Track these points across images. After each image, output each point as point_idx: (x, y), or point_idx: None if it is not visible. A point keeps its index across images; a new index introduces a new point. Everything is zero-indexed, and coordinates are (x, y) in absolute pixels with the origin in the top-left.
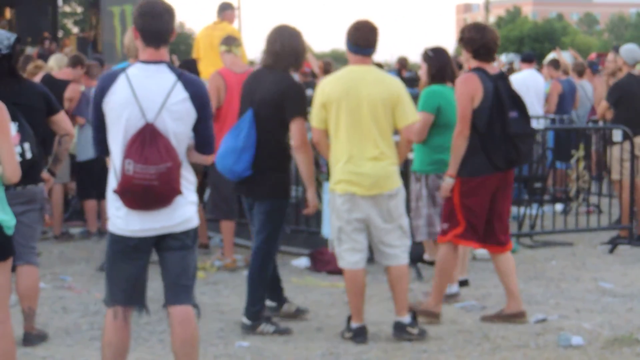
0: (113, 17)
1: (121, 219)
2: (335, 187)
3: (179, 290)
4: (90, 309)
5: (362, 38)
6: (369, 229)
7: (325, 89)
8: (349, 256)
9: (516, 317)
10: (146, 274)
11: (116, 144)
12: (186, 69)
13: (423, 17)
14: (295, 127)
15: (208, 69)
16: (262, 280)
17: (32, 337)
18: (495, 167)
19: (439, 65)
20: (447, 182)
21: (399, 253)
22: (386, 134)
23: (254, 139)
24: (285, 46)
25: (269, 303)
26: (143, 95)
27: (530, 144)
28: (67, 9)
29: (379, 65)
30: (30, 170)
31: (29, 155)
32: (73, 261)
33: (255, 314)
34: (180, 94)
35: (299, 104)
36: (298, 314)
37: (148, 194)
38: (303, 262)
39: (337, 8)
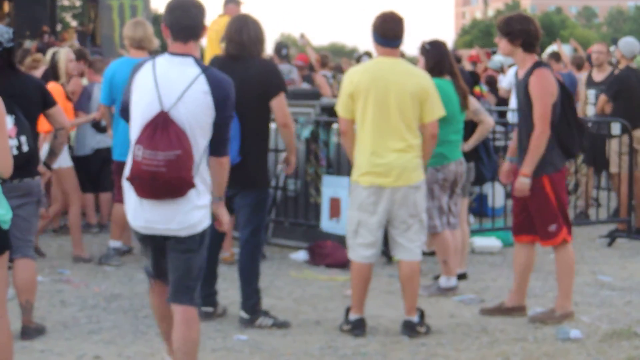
0: (112, 11)
1: (129, 211)
2: (360, 179)
3: (181, 290)
4: (89, 303)
5: (389, 30)
6: (390, 222)
7: (353, 79)
8: (363, 250)
9: (516, 310)
10: (165, 258)
11: (134, 129)
12: None
13: (422, 10)
14: (277, 104)
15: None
16: (254, 272)
17: (30, 331)
18: (570, 155)
19: (437, 59)
20: (524, 182)
21: (414, 248)
22: (412, 127)
23: (238, 127)
24: (252, 36)
25: (208, 309)
26: (163, 83)
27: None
28: (66, 2)
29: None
30: (27, 164)
31: (25, 148)
32: (72, 255)
33: (253, 307)
34: (202, 86)
35: (280, 80)
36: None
37: (156, 181)
38: (301, 255)
39: (336, 2)
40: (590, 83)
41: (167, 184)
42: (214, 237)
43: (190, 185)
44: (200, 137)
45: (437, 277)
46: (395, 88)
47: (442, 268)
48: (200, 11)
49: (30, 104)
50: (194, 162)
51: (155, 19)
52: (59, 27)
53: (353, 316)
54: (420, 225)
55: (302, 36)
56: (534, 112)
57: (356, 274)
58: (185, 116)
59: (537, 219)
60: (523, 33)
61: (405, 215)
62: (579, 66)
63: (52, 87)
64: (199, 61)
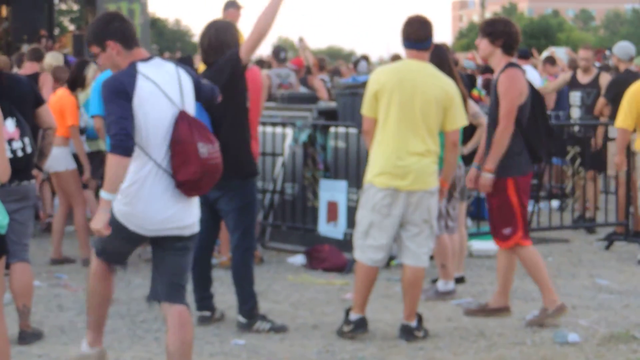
0: None
1: (137, 219)
2: (374, 180)
3: (174, 289)
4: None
5: (413, 32)
6: (403, 225)
7: (380, 79)
8: (373, 254)
9: (500, 311)
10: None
11: (153, 138)
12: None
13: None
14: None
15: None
16: (248, 277)
17: (28, 335)
18: (538, 160)
19: (437, 61)
20: (487, 178)
21: (422, 254)
22: (434, 132)
23: (206, 120)
24: (212, 41)
25: (205, 314)
26: (165, 86)
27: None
28: (64, 6)
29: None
30: (27, 166)
31: (29, 149)
32: (69, 259)
33: (249, 312)
34: (184, 76)
35: (234, 51)
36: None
37: (217, 173)
38: (299, 259)
39: (333, 5)
40: (575, 85)
41: (220, 172)
42: (203, 240)
43: None
44: None
45: (434, 281)
46: (421, 91)
47: (440, 272)
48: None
49: (24, 103)
50: None
51: (153, 23)
52: (56, 31)
53: (354, 316)
54: (431, 232)
55: (301, 40)
56: (499, 109)
57: (362, 276)
58: (190, 108)
59: (495, 218)
60: (505, 34)
61: (419, 220)
62: (576, 69)
63: (67, 97)
64: (162, 58)
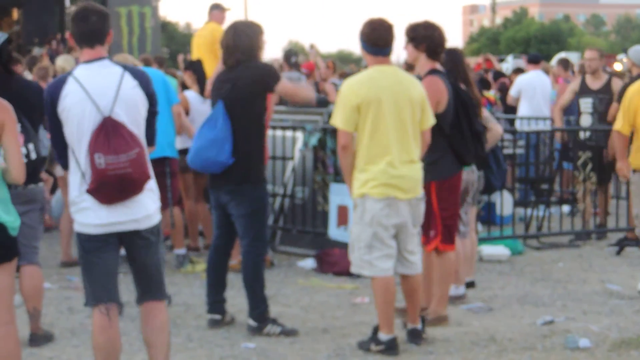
0: (120, 18)
1: (88, 217)
2: (370, 192)
3: (155, 286)
4: None
5: (381, 38)
6: (398, 234)
7: (360, 91)
8: (383, 263)
9: (440, 320)
10: (117, 269)
11: (79, 145)
12: (192, 69)
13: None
14: (282, 89)
15: (212, 66)
16: (258, 281)
17: (38, 338)
18: (464, 164)
19: (451, 66)
20: None
21: (416, 261)
22: (417, 136)
23: (230, 128)
24: (230, 44)
25: (215, 317)
26: (95, 91)
27: (485, 141)
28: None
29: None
30: (33, 171)
31: (33, 155)
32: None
33: (260, 316)
34: (130, 82)
35: (274, 75)
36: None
37: (124, 183)
38: (309, 263)
39: (343, 9)
40: (585, 91)
41: (134, 182)
42: (222, 244)
43: (149, 177)
44: (142, 130)
45: None
46: (404, 96)
47: None
48: (99, 18)
49: (31, 108)
50: (146, 155)
51: (164, 27)
52: (67, 35)
53: (385, 336)
54: (419, 237)
55: (312, 47)
56: None
57: (381, 290)
58: (126, 115)
59: (424, 221)
60: (427, 39)
61: (411, 226)
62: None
63: None
64: (115, 61)
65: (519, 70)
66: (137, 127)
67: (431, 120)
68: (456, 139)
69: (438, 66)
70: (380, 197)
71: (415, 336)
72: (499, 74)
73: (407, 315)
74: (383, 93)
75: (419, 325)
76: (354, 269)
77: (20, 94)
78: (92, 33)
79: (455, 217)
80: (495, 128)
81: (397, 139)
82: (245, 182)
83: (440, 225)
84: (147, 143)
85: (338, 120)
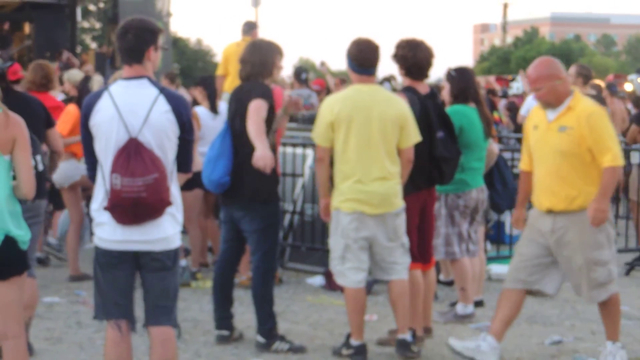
0: None
1: (104, 232)
2: (341, 206)
3: (159, 311)
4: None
5: (366, 59)
6: (372, 247)
7: (334, 108)
8: (353, 275)
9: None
10: (133, 286)
11: (105, 161)
12: (203, 85)
13: (440, 36)
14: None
15: (235, 83)
16: (267, 297)
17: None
18: (417, 186)
19: (462, 86)
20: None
21: (401, 269)
22: (393, 154)
23: (228, 146)
24: (245, 59)
25: (224, 333)
26: (126, 110)
27: (454, 166)
28: (86, 24)
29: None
30: (40, 184)
31: (40, 167)
32: (87, 275)
33: (269, 332)
34: (163, 106)
35: (265, 91)
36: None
37: (138, 207)
38: (318, 280)
39: (354, 27)
40: None
41: (149, 207)
42: (228, 258)
43: (168, 204)
44: (168, 156)
45: (454, 304)
46: (377, 116)
47: (459, 295)
48: (135, 36)
49: (37, 122)
50: (168, 182)
51: (175, 43)
52: (78, 49)
53: (355, 342)
54: (404, 249)
55: (323, 64)
56: None
57: (351, 299)
58: (153, 138)
59: None
60: (402, 59)
61: (385, 240)
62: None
63: (74, 112)
64: (154, 81)
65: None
66: (163, 152)
67: (413, 139)
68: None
69: (418, 85)
70: (349, 211)
71: (403, 347)
72: (504, 94)
73: (398, 324)
74: (356, 112)
75: (407, 336)
76: (336, 278)
77: (23, 108)
78: (128, 51)
79: (413, 237)
80: (490, 148)
81: (367, 156)
82: (257, 199)
83: None
84: (181, 169)
85: (315, 135)
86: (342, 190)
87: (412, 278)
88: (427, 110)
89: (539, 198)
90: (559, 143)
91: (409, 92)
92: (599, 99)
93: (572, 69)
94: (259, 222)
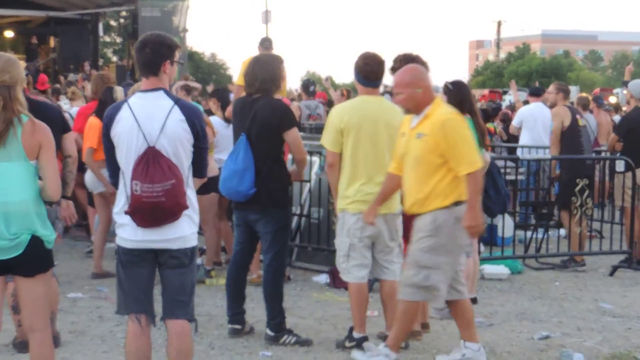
0: None
1: (126, 232)
2: (348, 207)
3: (176, 305)
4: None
5: (372, 72)
6: (374, 246)
7: (344, 117)
8: (357, 271)
9: (413, 335)
10: (152, 283)
11: (127, 169)
12: (217, 97)
13: (438, 51)
14: (291, 137)
15: None
16: (277, 293)
17: (56, 339)
18: None
19: (459, 98)
20: None
21: (395, 269)
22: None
23: (251, 160)
24: (254, 74)
25: (236, 327)
26: (144, 120)
27: None
28: (108, 39)
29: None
30: None
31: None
32: (109, 273)
33: (278, 326)
34: (177, 116)
35: (290, 117)
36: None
37: (157, 211)
38: (323, 278)
39: (357, 44)
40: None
41: (167, 211)
42: (241, 259)
43: (185, 208)
44: (184, 162)
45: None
46: (384, 124)
47: None
48: (152, 49)
49: (53, 128)
50: (185, 187)
51: (190, 56)
52: (100, 62)
53: (358, 334)
54: (399, 250)
55: (327, 79)
56: None
57: (355, 294)
58: (169, 146)
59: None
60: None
61: (387, 239)
62: (584, 107)
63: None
64: (169, 93)
65: (526, 102)
66: (178, 159)
67: None
68: None
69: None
70: (355, 211)
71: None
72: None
73: (387, 322)
74: (365, 120)
75: None
76: (341, 275)
77: (39, 114)
78: (145, 64)
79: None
80: (481, 157)
81: (374, 161)
82: (271, 206)
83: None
84: (196, 175)
85: (326, 141)
86: (349, 193)
87: None
88: None
89: (404, 200)
90: (415, 149)
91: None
92: (573, 110)
93: (552, 87)
94: (274, 224)
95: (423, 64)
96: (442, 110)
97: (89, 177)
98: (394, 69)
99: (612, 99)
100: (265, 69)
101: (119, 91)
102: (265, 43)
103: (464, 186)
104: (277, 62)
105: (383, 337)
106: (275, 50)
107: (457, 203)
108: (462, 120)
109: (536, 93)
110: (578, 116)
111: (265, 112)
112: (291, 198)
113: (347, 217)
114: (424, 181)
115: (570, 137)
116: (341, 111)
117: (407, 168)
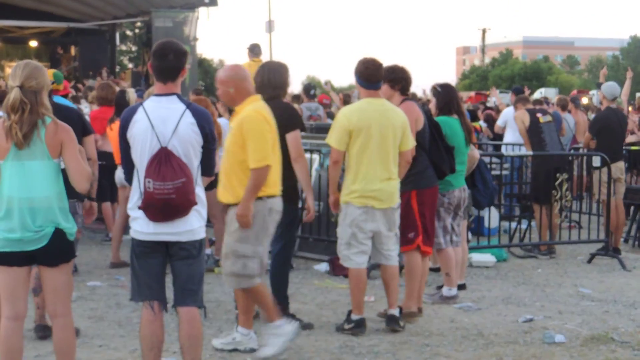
0: None
1: (139, 225)
2: (353, 200)
3: (186, 294)
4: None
5: (372, 75)
6: (375, 236)
7: (352, 119)
8: (358, 258)
9: (411, 316)
10: (164, 272)
11: (141, 167)
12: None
13: (427, 57)
14: (292, 137)
15: None
16: (283, 281)
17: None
18: (443, 174)
19: (447, 99)
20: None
21: (393, 255)
22: (396, 156)
23: None
24: (264, 80)
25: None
26: (158, 123)
27: (453, 157)
28: (124, 47)
29: None
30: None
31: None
32: (126, 263)
33: (282, 311)
34: (189, 119)
35: (296, 120)
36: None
37: (168, 207)
38: (323, 266)
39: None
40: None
41: (177, 207)
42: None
43: (194, 204)
44: (194, 162)
45: (440, 287)
46: (389, 124)
47: (444, 279)
48: (176, 56)
49: (73, 129)
50: (194, 184)
51: (200, 63)
52: (117, 69)
53: (355, 317)
54: (397, 238)
55: (327, 83)
56: None
57: (355, 279)
58: (180, 147)
59: (402, 225)
60: (403, 80)
61: (386, 230)
62: (563, 107)
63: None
64: (182, 97)
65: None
66: (188, 159)
67: (411, 142)
68: (433, 152)
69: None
70: (360, 205)
71: (392, 321)
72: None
73: (388, 301)
74: (372, 121)
75: (395, 311)
76: (341, 262)
77: (61, 116)
78: (167, 70)
79: (432, 222)
80: (472, 153)
81: (379, 160)
82: (284, 200)
83: (420, 227)
84: (205, 173)
85: (332, 140)
86: (354, 188)
87: (423, 263)
88: (429, 115)
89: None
90: (227, 142)
91: (411, 100)
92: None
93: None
94: (284, 218)
95: (407, 75)
96: (248, 107)
97: (119, 172)
98: (392, 80)
99: (584, 100)
100: (274, 76)
101: (131, 93)
102: (255, 49)
103: (278, 179)
104: (283, 68)
105: (383, 316)
106: (277, 57)
107: (270, 196)
108: (260, 118)
109: (519, 92)
110: (539, 115)
111: (277, 114)
112: (298, 194)
113: (352, 209)
114: (234, 172)
115: (532, 135)
116: (348, 113)
117: (223, 159)
